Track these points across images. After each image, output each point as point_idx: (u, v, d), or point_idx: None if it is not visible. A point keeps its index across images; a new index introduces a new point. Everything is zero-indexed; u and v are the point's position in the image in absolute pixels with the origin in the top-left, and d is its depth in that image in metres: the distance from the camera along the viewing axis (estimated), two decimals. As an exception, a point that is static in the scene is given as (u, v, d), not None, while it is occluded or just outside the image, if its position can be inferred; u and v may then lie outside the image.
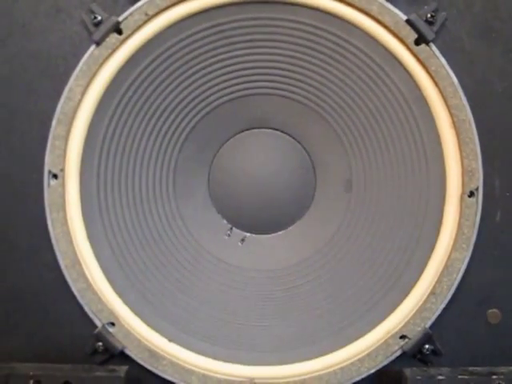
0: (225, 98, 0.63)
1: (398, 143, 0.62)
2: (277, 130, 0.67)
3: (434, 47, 0.58)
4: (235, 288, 0.65)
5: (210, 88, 0.62)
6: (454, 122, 0.59)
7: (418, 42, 0.58)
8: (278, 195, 0.67)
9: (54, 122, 0.60)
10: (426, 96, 0.59)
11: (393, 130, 0.62)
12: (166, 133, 0.63)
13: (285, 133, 0.67)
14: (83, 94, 0.59)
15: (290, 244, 0.67)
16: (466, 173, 0.59)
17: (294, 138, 0.67)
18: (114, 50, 0.59)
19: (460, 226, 0.60)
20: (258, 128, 0.67)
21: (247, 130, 0.67)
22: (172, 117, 0.63)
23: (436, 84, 0.59)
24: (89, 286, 0.61)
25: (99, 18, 0.59)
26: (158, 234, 0.65)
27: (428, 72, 0.58)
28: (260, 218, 0.67)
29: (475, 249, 0.60)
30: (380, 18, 0.58)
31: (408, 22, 0.58)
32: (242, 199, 0.67)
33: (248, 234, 0.69)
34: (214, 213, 0.68)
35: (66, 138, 0.60)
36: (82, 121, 0.60)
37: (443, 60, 0.58)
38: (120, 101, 0.60)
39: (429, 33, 0.58)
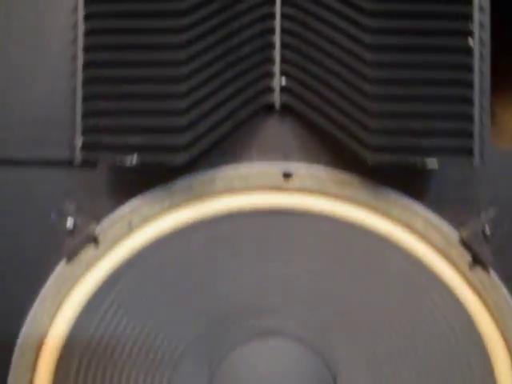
0: (228, 309, 0.51)
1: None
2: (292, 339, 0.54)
3: (492, 272, 0.46)
4: None
5: (209, 299, 0.51)
6: (516, 365, 0.46)
7: (471, 265, 0.46)
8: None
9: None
10: (480, 331, 0.47)
11: (442, 363, 0.49)
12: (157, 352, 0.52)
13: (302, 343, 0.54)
14: (52, 317, 0.48)
15: None
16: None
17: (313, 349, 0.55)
18: (89, 266, 0.47)
19: None
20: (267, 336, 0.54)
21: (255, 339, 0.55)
22: (161, 336, 0.51)
23: (494, 317, 0.46)
24: None
25: (72, 223, 0.47)
26: None
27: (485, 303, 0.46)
28: None
29: None
30: (426, 234, 0.46)
31: (461, 241, 0.45)
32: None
33: None
34: None
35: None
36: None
37: (504, 290, 0.46)
38: (99, 323, 0.49)
39: (485, 255, 0.45)
